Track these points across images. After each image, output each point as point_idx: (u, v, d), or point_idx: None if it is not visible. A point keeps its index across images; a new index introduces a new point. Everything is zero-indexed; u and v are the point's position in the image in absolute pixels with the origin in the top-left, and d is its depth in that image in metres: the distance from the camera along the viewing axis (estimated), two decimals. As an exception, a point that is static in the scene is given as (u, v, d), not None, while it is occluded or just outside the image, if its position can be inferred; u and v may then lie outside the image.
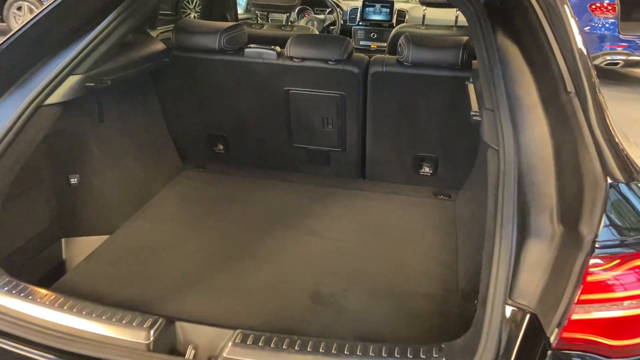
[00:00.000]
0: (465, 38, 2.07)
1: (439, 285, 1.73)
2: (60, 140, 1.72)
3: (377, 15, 4.13)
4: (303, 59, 2.17)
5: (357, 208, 2.24)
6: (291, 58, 2.18)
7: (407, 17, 4.25)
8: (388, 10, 4.16)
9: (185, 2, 6.64)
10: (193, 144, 2.53)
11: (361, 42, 4.00)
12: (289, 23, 3.53)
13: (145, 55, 2.04)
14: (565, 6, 1.53)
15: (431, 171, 2.34)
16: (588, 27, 7.03)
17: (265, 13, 3.74)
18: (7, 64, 1.51)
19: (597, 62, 6.96)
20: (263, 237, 1.99)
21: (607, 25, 6.97)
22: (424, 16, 3.68)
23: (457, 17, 3.39)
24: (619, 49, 6.96)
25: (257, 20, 3.31)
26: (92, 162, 1.94)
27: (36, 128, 1.50)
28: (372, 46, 3.95)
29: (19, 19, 8.75)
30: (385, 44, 3.88)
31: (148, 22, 2.27)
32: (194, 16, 6.02)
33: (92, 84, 1.68)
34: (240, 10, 3.97)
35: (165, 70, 2.26)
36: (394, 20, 4.10)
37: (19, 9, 8.66)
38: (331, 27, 4.18)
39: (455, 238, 2.00)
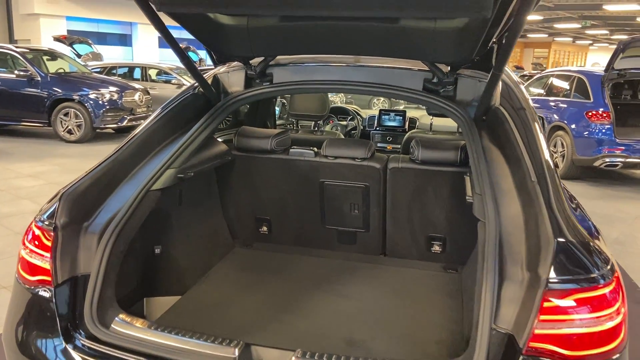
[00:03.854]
0: (463, 142, 2.62)
1: (448, 334, 2.17)
2: (151, 217, 2.18)
3: (391, 122, 4.80)
4: (336, 157, 2.74)
5: (379, 278, 2.70)
6: (326, 156, 2.75)
7: (417, 123, 4.92)
8: (401, 118, 4.83)
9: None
10: (242, 226, 3.05)
11: (378, 144, 4.62)
12: (317, 128, 4.18)
13: (215, 154, 2.61)
14: (536, 123, 2.11)
15: (440, 249, 2.81)
16: (586, 132, 7.56)
17: (296, 120, 4.42)
18: (124, 160, 2.07)
19: (597, 163, 7.40)
20: (303, 298, 2.45)
21: (603, 130, 7.42)
22: (431, 124, 4.38)
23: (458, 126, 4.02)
24: (617, 152, 7.32)
25: (293, 126, 3.97)
26: (172, 235, 2.46)
27: (144, 207, 2.02)
28: (388, 147, 4.57)
29: (65, 124, 9.61)
30: (399, 146, 4.50)
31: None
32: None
33: (181, 175, 2.22)
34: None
35: (225, 165, 2.83)
36: (407, 126, 4.77)
37: (66, 114, 9.52)
38: (352, 132, 4.84)
39: (461, 301, 2.43)
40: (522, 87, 2.39)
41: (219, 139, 2.85)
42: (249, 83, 2.47)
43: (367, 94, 2.50)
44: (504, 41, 1.77)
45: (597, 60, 42.40)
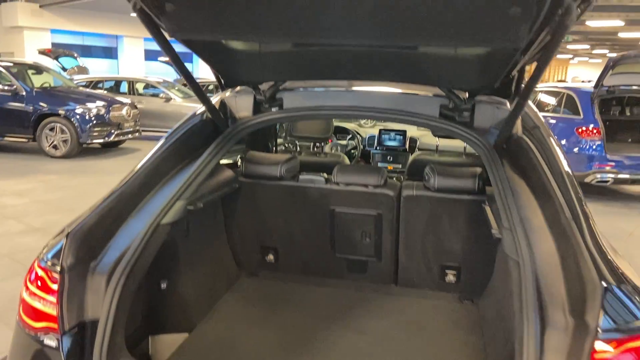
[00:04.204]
0: (479, 169, 2.55)
1: None
2: (158, 251, 2.08)
3: (392, 141, 4.73)
4: (348, 184, 2.65)
5: (392, 310, 2.60)
6: (338, 183, 2.66)
7: (418, 143, 4.85)
8: (402, 137, 4.76)
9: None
10: (247, 254, 2.94)
11: (379, 164, 4.55)
12: (319, 149, 4.09)
13: (222, 182, 2.51)
14: (551, 138, 2.05)
15: (455, 279, 2.73)
16: (577, 148, 7.59)
17: (296, 140, 4.32)
18: (131, 193, 1.96)
19: (588, 179, 7.43)
20: (315, 333, 2.35)
21: (594, 146, 7.46)
22: (437, 146, 4.29)
23: (465, 147, 3.96)
24: (607, 168, 7.37)
25: (293, 147, 3.87)
26: (178, 269, 2.34)
27: (155, 243, 1.90)
28: (389, 167, 4.49)
29: (50, 139, 9.37)
30: (400, 166, 4.43)
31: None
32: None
33: (191, 207, 2.12)
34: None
35: (231, 193, 2.73)
36: (407, 146, 4.70)
37: (52, 129, 9.29)
38: (352, 151, 4.76)
39: (481, 336, 2.35)
40: (534, 106, 2.33)
41: (222, 161, 2.75)
42: (257, 108, 2.38)
43: (383, 120, 2.42)
44: (531, 69, 1.71)
45: (577, 74, 43.17)
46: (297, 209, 2.75)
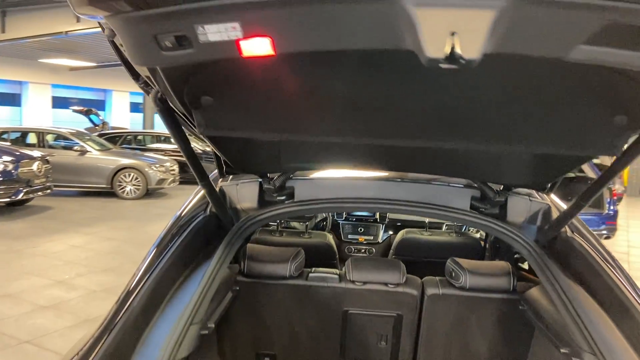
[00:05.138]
0: (508, 265, 2.31)
1: None
2: None
3: (361, 211, 4.42)
4: (364, 283, 2.30)
5: None
6: (353, 282, 2.31)
7: (387, 213, 4.53)
8: None
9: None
10: None
11: (349, 236, 4.22)
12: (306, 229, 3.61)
13: (222, 287, 2.06)
14: (596, 238, 1.88)
15: None
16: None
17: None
18: (134, 321, 1.49)
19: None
20: None
21: None
22: (427, 222, 3.91)
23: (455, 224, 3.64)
24: None
25: (278, 227, 3.40)
26: None
27: None
28: (360, 239, 4.18)
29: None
30: (372, 237, 4.13)
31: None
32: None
33: (205, 332, 1.69)
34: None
35: None
36: (378, 216, 4.38)
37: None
38: (323, 223, 4.37)
39: None
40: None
41: None
42: (263, 198, 2.02)
43: (409, 214, 2.14)
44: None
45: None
46: (304, 310, 2.36)
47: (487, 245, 3.08)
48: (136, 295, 1.54)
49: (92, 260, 6.48)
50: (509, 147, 1.55)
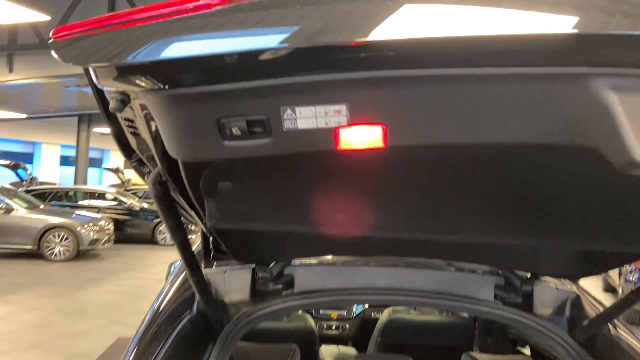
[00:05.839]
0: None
1: None
2: None
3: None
4: None
5: None
6: None
7: None
8: None
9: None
10: None
11: (321, 312, 3.92)
12: None
13: None
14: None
15: None
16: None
17: None
18: None
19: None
20: None
21: None
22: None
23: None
24: None
25: None
26: None
27: None
28: (332, 315, 3.89)
29: None
30: (344, 313, 3.85)
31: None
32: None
33: None
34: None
35: None
36: None
37: None
38: None
39: None
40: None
41: None
42: (255, 288, 1.74)
43: (427, 306, 1.91)
44: None
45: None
46: None
47: (478, 324, 2.88)
48: None
49: (17, 335, 5.74)
50: (554, 241, 1.39)
